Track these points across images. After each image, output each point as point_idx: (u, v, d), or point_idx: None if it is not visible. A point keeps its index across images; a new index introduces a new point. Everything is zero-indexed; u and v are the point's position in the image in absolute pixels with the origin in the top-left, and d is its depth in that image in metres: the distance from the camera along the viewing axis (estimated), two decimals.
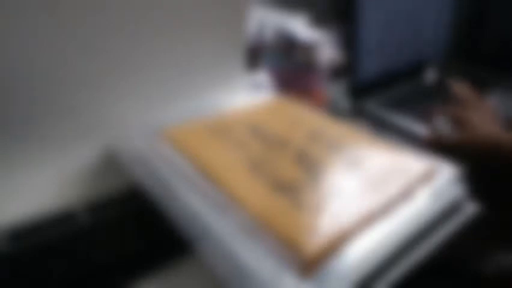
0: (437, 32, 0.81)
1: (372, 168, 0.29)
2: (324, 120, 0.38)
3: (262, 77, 0.51)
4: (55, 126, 0.32)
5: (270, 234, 0.23)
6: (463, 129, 0.40)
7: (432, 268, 0.25)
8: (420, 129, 0.57)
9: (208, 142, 0.33)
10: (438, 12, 0.80)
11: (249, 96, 0.45)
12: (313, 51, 0.54)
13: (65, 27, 0.29)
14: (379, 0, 0.65)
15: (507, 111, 0.65)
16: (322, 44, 0.54)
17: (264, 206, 0.25)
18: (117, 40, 0.33)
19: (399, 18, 0.70)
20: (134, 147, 0.33)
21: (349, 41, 0.62)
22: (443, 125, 0.45)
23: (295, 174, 0.28)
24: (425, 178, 0.28)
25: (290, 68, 0.54)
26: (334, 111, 0.58)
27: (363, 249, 0.22)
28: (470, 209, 0.28)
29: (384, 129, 0.48)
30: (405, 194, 0.27)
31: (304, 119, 0.38)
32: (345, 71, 0.63)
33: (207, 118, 0.37)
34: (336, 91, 0.64)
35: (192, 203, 0.26)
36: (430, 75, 0.80)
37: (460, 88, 0.46)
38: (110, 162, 0.34)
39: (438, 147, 0.38)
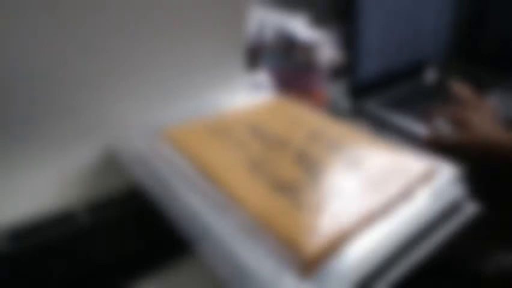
0: (437, 32, 0.81)
1: (372, 168, 0.29)
2: (324, 120, 0.38)
3: (262, 77, 0.51)
4: (55, 126, 0.32)
5: (270, 234, 0.23)
6: (463, 129, 0.40)
7: (432, 268, 0.25)
8: (420, 129, 0.57)
9: (208, 142, 0.33)
10: (438, 12, 0.80)
11: (249, 96, 0.45)
12: (313, 51, 0.54)
13: (65, 27, 0.29)
14: (379, 0, 0.65)
15: (507, 111, 0.64)
16: (322, 44, 0.54)
17: (264, 206, 0.25)
18: (117, 40, 0.33)
19: (399, 18, 0.70)
20: (134, 147, 0.33)
21: (349, 41, 0.62)
22: (443, 125, 0.45)
23: (295, 174, 0.28)
24: (425, 178, 0.28)
25: (290, 68, 0.54)
26: (334, 111, 0.58)
27: (363, 249, 0.22)
28: (470, 209, 0.28)
29: (384, 129, 0.48)
30: (405, 194, 0.27)
31: (304, 119, 0.38)
32: (345, 71, 0.63)
33: (207, 118, 0.37)
34: (336, 91, 0.64)
35: (192, 203, 0.26)
36: (430, 75, 0.80)
37: (460, 88, 0.46)
38: (110, 162, 0.34)
39: (438, 147, 0.38)
